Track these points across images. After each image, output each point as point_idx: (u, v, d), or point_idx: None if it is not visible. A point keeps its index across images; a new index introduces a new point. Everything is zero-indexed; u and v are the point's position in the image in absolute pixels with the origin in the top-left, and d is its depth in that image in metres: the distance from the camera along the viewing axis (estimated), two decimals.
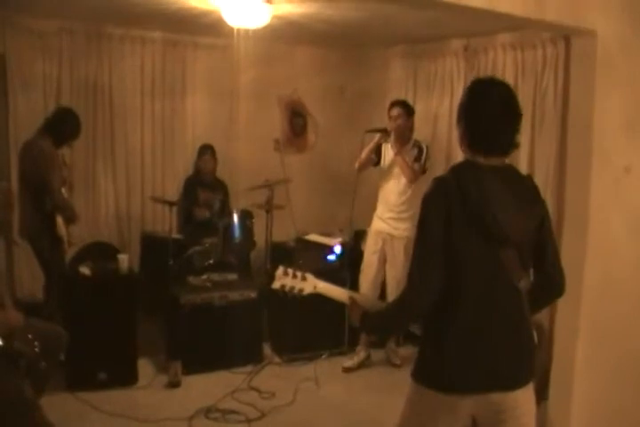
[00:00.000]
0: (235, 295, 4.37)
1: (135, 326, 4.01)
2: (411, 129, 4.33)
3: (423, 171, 4.22)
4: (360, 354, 4.45)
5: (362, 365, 4.43)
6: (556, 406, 3.19)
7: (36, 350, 2.97)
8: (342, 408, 3.86)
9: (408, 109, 4.32)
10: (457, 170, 1.99)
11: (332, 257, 4.79)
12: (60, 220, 4.19)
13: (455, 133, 2.28)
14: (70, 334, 3.34)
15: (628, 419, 3.24)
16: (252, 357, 4.40)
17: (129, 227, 5.44)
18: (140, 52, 5.35)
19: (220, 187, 5.47)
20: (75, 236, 4.53)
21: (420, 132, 4.57)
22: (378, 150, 4.37)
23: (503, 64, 4.53)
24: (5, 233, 4.84)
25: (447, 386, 1.96)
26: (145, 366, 4.19)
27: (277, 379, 4.22)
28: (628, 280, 3.21)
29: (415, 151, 4.29)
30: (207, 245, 4.89)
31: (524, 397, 2.02)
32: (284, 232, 5.28)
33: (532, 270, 2.08)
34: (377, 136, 4.27)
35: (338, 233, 5.09)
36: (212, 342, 4.23)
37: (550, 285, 2.15)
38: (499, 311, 1.96)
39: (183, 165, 5.60)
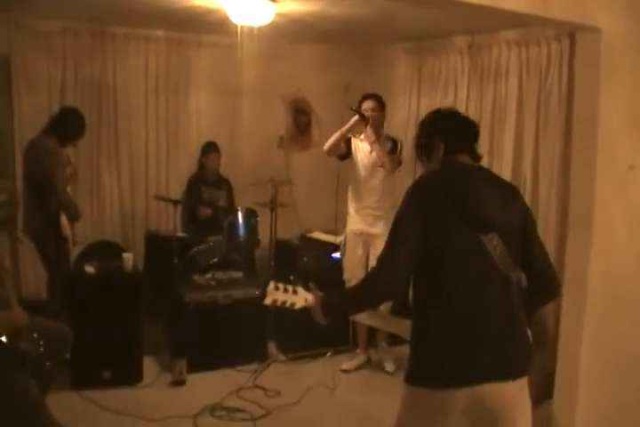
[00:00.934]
0: (239, 293, 4.38)
1: (140, 325, 4.02)
2: (382, 124, 4.27)
3: (399, 163, 4.18)
4: (360, 357, 4.42)
5: (360, 368, 4.38)
6: (561, 406, 3.18)
7: (41, 349, 2.97)
8: (347, 407, 3.86)
9: (381, 104, 4.25)
10: (442, 165, 2.13)
11: (336, 255, 4.78)
12: (64, 219, 4.20)
13: None
14: (75, 333, 3.35)
15: (634, 418, 3.23)
16: (256, 355, 4.40)
17: (133, 225, 5.45)
18: (144, 50, 5.35)
19: (224, 185, 5.47)
20: (79, 235, 4.53)
21: None
22: (347, 143, 4.29)
23: (507, 61, 4.51)
24: (10, 231, 4.85)
25: (438, 381, 1.96)
26: (150, 365, 4.21)
27: (282, 377, 4.23)
28: (632, 279, 3.19)
29: (389, 144, 4.22)
30: (211, 243, 4.89)
31: (519, 395, 2.02)
32: (288, 230, 5.27)
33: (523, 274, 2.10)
34: (353, 119, 4.16)
35: (342, 231, 5.07)
36: (217, 340, 4.24)
37: (544, 286, 2.16)
38: (487, 301, 1.98)
39: (187, 164, 5.60)
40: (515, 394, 2.00)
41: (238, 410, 3.70)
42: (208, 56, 5.58)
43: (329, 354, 4.54)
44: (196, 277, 4.54)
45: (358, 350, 4.45)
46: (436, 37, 5.13)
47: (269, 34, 4.71)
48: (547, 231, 4.03)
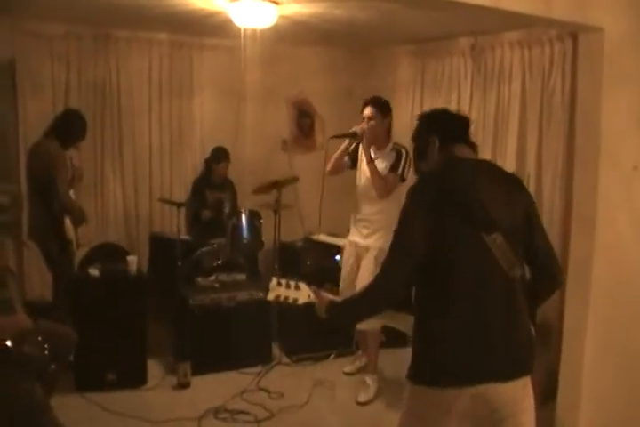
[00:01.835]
0: (243, 296, 4.38)
1: (144, 328, 4.02)
2: (387, 131, 3.88)
3: (402, 179, 3.79)
4: (361, 359, 4.36)
5: (362, 370, 4.28)
6: (565, 405, 3.18)
7: (46, 352, 2.97)
8: (351, 408, 3.86)
9: (382, 109, 3.84)
10: (442, 164, 2.11)
11: (339, 257, 4.78)
12: (68, 222, 4.21)
13: None
14: (79, 336, 3.34)
15: (638, 418, 3.21)
16: (260, 357, 4.40)
17: (137, 228, 5.46)
18: (147, 53, 5.37)
19: (228, 187, 5.48)
20: (83, 237, 4.54)
21: None
22: (355, 152, 3.98)
23: (510, 62, 4.50)
24: (15, 235, 4.86)
25: (441, 380, 1.96)
26: (154, 367, 4.21)
27: (286, 379, 4.23)
28: (635, 278, 3.19)
29: (393, 156, 3.82)
30: (215, 245, 4.90)
31: (522, 393, 2.02)
32: (292, 232, 5.28)
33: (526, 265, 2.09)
34: (346, 141, 3.91)
35: (346, 233, 5.08)
36: (221, 342, 4.24)
37: (548, 276, 2.16)
38: (490, 301, 1.97)
39: (191, 166, 5.62)
40: (518, 392, 2.00)
41: (242, 412, 3.70)
42: (211, 59, 5.60)
43: (332, 356, 4.54)
44: (199, 280, 4.54)
45: (359, 353, 4.43)
46: (438, 40, 5.13)
47: (272, 36, 4.72)
48: (550, 230, 3.97)
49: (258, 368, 4.30)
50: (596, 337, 3.06)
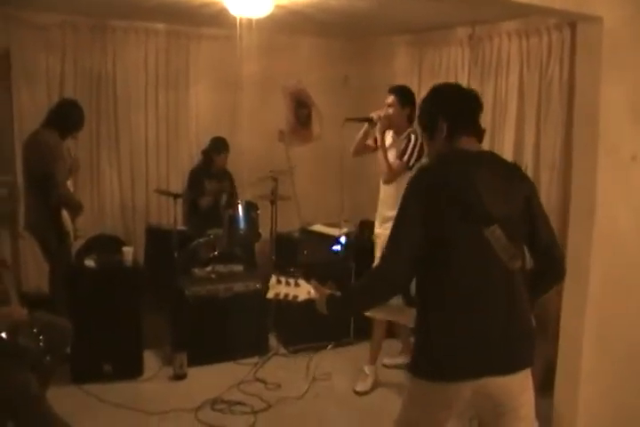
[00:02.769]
0: (240, 287, 4.37)
1: (140, 319, 4.01)
2: (408, 118, 3.87)
3: (408, 166, 3.74)
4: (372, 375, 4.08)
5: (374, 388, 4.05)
6: (563, 398, 3.18)
7: (41, 344, 2.97)
8: (348, 400, 3.86)
9: (402, 98, 3.87)
10: (441, 157, 2.10)
11: (337, 247, 4.78)
12: (65, 213, 4.19)
13: None
14: (75, 327, 3.34)
15: (636, 411, 3.22)
16: (257, 348, 4.40)
17: (134, 219, 5.45)
18: (143, 43, 5.34)
19: (226, 177, 5.47)
20: (81, 229, 4.53)
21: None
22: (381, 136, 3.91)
23: (508, 52, 4.47)
24: (10, 227, 4.85)
25: (442, 373, 1.95)
26: (150, 358, 4.20)
27: (283, 370, 4.22)
28: (635, 269, 3.18)
29: (404, 143, 3.81)
30: (212, 236, 4.89)
31: (522, 386, 2.01)
32: (288, 223, 5.27)
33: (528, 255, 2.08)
34: (365, 125, 3.96)
35: (343, 223, 5.07)
36: (218, 333, 4.24)
37: (551, 266, 2.15)
38: (490, 293, 1.96)
39: (187, 157, 5.61)
40: (519, 385, 1.99)
41: (239, 403, 3.70)
42: (208, 49, 5.57)
43: (330, 347, 4.53)
44: (196, 271, 4.53)
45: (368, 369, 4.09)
46: (436, 29, 5.10)
47: (268, 26, 4.69)
48: None
49: (255, 359, 4.30)
50: (593, 329, 3.05)
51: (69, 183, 4.28)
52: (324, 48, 6.01)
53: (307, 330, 4.45)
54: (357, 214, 5.34)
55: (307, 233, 5.08)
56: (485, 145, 4.72)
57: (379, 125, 3.85)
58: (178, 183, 5.51)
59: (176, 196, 4.74)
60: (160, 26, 5.34)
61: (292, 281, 2.18)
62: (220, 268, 4.56)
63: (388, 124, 3.86)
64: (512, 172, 2.12)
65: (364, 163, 4.54)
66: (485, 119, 4.65)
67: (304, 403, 3.78)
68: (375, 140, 3.92)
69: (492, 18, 4.49)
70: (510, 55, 4.46)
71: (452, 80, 5.01)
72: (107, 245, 4.64)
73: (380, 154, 3.80)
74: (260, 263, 5.25)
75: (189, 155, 5.60)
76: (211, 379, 4.02)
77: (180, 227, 4.99)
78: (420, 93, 5.29)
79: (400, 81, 5.54)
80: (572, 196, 3.20)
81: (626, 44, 3.01)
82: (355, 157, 4.14)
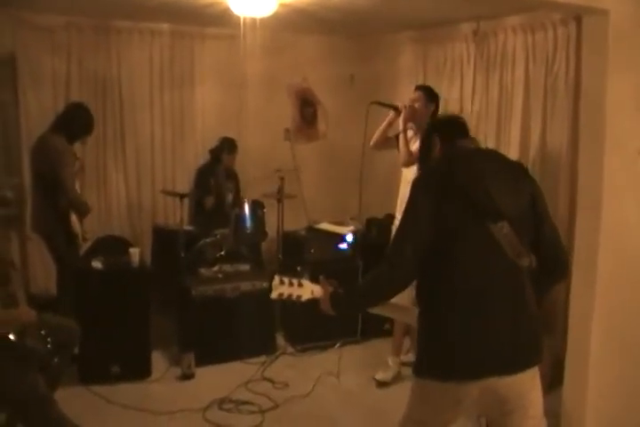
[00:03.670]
0: (247, 286, 4.37)
1: (148, 319, 4.02)
2: (432, 116, 3.97)
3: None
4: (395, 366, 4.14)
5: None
6: (571, 393, 3.15)
7: (49, 345, 2.98)
8: (356, 398, 3.85)
9: (429, 94, 4.02)
10: (448, 154, 2.12)
11: (343, 246, 4.77)
12: (74, 216, 4.20)
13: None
14: (83, 328, 3.35)
15: None
16: (264, 347, 4.40)
17: (140, 220, 5.45)
18: (148, 44, 5.34)
19: (232, 176, 5.47)
20: (88, 231, 4.54)
21: None
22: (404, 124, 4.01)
23: (513, 47, 4.44)
24: (18, 229, 4.86)
25: (447, 374, 1.94)
26: (158, 359, 4.21)
27: (291, 369, 4.22)
28: None
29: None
30: (218, 236, 4.88)
31: (530, 384, 2.00)
32: (295, 221, 5.26)
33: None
34: (390, 114, 4.06)
35: (349, 221, 5.06)
36: (225, 333, 4.24)
37: (555, 264, 2.14)
38: (496, 292, 1.95)
39: (193, 157, 5.60)
40: (527, 383, 1.98)
41: (247, 403, 3.70)
42: (212, 48, 5.57)
43: (337, 345, 4.52)
44: (203, 271, 4.53)
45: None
46: (440, 25, 5.07)
47: (272, 25, 4.67)
48: (555, 218, 3.91)
49: (262, 358, 4.30)
50: (602, 325, 3.03)
51: (76, 185, 4.28)
52: (328, 46, 5.99)
53: (314, 329, 4.44)
54: (364, 212, 5.32)
55: (313, 231, 5.06)
56: (491, 141, 4.75)
57: (403, 114, 3.93)
58: (184, 183, 5.51)
59: (182, 196, 4.74)
60: (164, 26, 5.34)
61: (295, 281, 2.19)
62: (227, 267, 4.56)
63: (413, 115, 3.94)
64: (517, 170, 2.13)
65: (372, 161, 4.52)
66: (491, 115, 4.66)
67: (312, 402, 3.77)
68: (397, 136, 3.99)
69: (497, 13, 4.46)
70: (516, 50, 4.43)
71: (456, 76, 5.01)
72: (113, 246, 4.65)
73: (400, 139, 3.91)
74: (266, 262, 5.25)
75: (195, 155, 5.60)
76: (218, 379, 4.02)
77: (187, 227, 4.99)
78: None
79: (405, 78, 5.54)
80: (578, 189, 3.17)
81: (632, 37, 2.97)
82: (374, 150, 4.17)
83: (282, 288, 2.18)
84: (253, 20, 4.38)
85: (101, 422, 3.41)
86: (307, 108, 6.08)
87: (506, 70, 4.53)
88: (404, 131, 3.92)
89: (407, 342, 4.32)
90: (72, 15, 4.92)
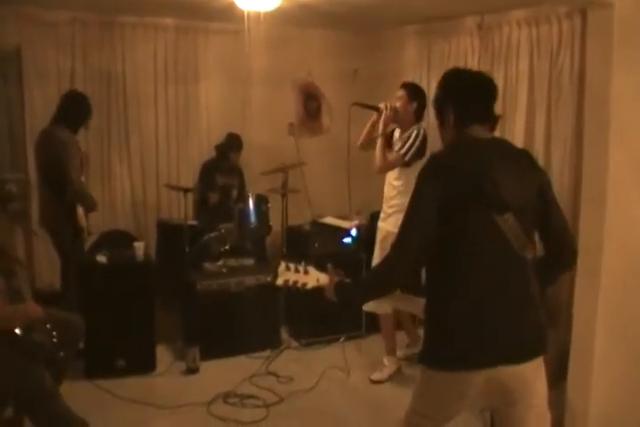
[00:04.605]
0: (251, 280, 4.39)
1: (152, 314, 4.04)
2: (415, 114, 3.91)
3: (404, 160, 3.78)
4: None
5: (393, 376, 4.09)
6: (576, 387, 3.15)
7: (54, 340, 2.99)
8: (361, 392, 3.86)
9: (411, 92, 3.94)
10: (453, 144, 2.08)
11: (348, 240, 4.76)
12: (80, 210, 4.21)
13: None
14: (88, 323, 3.36)
15: None
16: (269, 341, 4.41)
17: (145, 214, 5.46)
18: (152, 39, 5.33)
19: (236, 172, 5.46)
20: (94, 225, 4.55)
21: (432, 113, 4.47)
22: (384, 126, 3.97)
23: (518, 41, 4.42)
24: (23, 224, 4.87)
25: (453, 363, 1.94)
26: (163, 353, 4.23)
27: (295, 363, 4.24)
28: None
29: (405, 138, 3.86)
30: (223, 230, 4.88)
31: (535, 374, 2.00)
32: (299, 216, 5.26)
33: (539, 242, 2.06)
34: (373, 116, 3.99)
35: (354, 216, 5.05)
36: (230, 327, 4.25)
37: (563, 252, 2.14)
38: (502, 282, 1.95)
39: (198, 152, 5.60)
40: (532, 373, 1.98)
41: (251, 397, 3.71)
42: (217, 43, 5.56)
43: (342, 340, 4.53)
44: (207, 265, 4.54)
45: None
46: (445, 19, 5.05)
47: (276, 19, 4.66)
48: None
49: (267, 353, 4.32)
50: (606, 319, 3.02)
51: (82, 179, 4.29)
52: (332, 40, 5.97)
53: (318, 323, 4.46)
54: (368, 206, 5.31)
55: (317, 226, 5.06)
56: (496, 134, 4.70)
57: (384, 115, 3.89)
58: (188, 178, 5.52)
59: (186, 190, 4.74)
60: (168, 21, 5.33)
61: (301, 268, 2.16)
62: (232, 262, 4.58)
63: (394, 116, 3.91)
64: (524, 159, 2.10)
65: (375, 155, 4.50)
66: (496, 108, 4.61)
67: (316, 396, 3.78)
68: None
69: (502, 6, 4.43)
70: (520, 44, 4.40)
71: None
72: (118, 240, 4.67)
73: (378, 143, 3.86)
74: (271, 257, 5.25)
75: (199, 149, 5.60)
76: (223, 373, 4.04)
77: (191, 221, 4.99)
78: (430, 85, 5.29)
79: (410, 72, 5.53)
80: (583, 183, 3.16)
81: (638, 30, 2.95)
82: (361, 151, 4.15)
83: (287, 274, 2.14)
84: (257, 15, 4.36)
85: (106, 416, 3.43)
86: (311, 102, 6.07)
87: (510, 64, 4.51)
88: (383, 134, 3.88)
89: (404, 338, 4.34)
90: (77, 10, 4.91)
